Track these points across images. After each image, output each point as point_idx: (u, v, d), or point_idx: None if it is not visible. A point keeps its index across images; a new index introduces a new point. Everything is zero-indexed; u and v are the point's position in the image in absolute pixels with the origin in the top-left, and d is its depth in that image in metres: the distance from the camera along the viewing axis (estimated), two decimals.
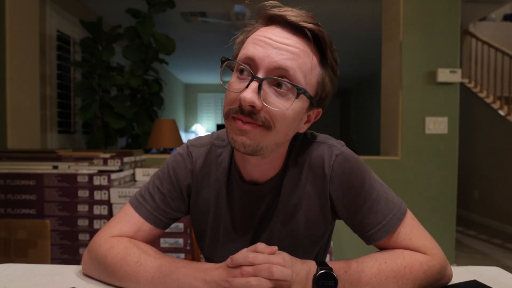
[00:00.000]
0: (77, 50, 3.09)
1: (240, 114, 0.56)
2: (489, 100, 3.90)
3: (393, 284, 0.57)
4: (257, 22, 0.62)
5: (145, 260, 0.60)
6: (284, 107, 0.56)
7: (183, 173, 0.71)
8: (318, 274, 0.54)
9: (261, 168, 0.66)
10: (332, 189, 0.66)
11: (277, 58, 0.55)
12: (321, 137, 0.70)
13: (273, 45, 0.56)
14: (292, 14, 0.57)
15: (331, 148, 0.67)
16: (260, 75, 0.55)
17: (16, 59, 2.12)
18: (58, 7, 2.80)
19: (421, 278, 0.58)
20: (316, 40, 0.58)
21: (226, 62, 0.60)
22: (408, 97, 2.33)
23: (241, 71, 0.58)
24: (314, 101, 0.61)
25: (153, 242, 0.70)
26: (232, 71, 0.62)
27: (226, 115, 0.58)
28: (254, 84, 0.55)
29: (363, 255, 0.60)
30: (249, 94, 0.54)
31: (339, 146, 0.67)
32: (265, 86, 0.56)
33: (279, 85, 0.56)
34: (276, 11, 0.58)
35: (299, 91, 0.56)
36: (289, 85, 0.56)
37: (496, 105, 3.80)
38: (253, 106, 0.55)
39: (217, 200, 0.71)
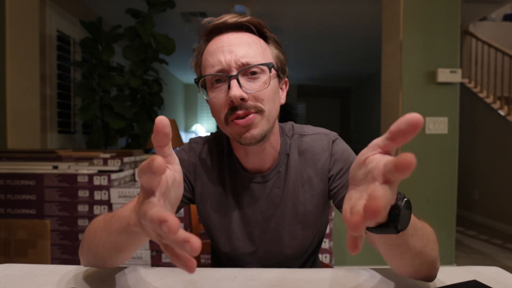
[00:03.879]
0: (77, 50, 3.09)
1: (235, 112, 0.64)
2: (489, 100, 3.90)
3: (430, 245, 0.53)
4: (200, 42, 0.72)
5: (106, 219, 0.57)
6: (264, 86, 0.66)
7: (187, 165, 0.77)
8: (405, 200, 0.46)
9: (262, 154, 0.73)
10: (332, 170, 0.74)
11: (237, 57, 0.64)
12: (316, 129, 0.80)
13: (229, 50, 0.65)
14: (228, 17, 0.68)
15: (328, 135, 0.77)
16: (233, 74, 0.64)
17: (16, 59, 2.12)
18: (58, 7, 2.80)
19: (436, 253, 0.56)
20: (254, 28, 0.69)
21: (200, 80, 0.68)
22: (408, 97, 2.33)
23: (217, 81, 0.66)
24: (280, 73, 0.72)
25: None
26: (205, 89, 0.70)
27: (226, 121, 0.66)
28: (234, 82, 0.63)
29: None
30: (236, 91, 0.63)
31: (334, 133, 0.78)
32: (241, 80, 0.64)
33: (251, 73, 0.66)
34: (216, 21, 0.68)
35: (269, 66, 0.66)
36: (259, 67, 0.66)
37: (496, 105, 3.79)
38: (242, 99, 0.63)
39: (223, 192, 0.77)
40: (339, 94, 8.39)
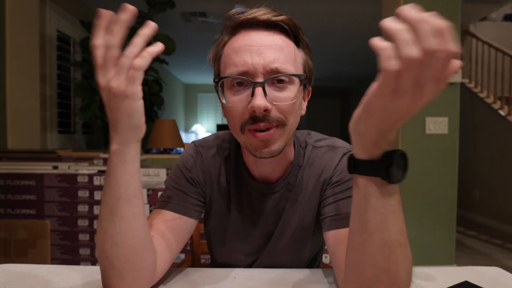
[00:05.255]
0: (77, 50, 3.09)
1: (255, 123, 0.58)
2: (489, 100, 3.90)
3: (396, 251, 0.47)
4: (222, 34, 0.64)
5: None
6: (291, 99, 0.59)
7: (195, 169, 0.72)
8: (403, 152, 0.44)
9: (274, 163, 0.68)
10: (331, 179, 0.67)
11: (266, 61, 0.57)
12: (332, 141, 0.73)
13: (257, 51, 0.58)
14: (261, 13, 0.60)
15: (340, 148, 0.70)
16: (258, 80, 0.57)
17: (16, 59, 2.12)
18: (58, 7, 2.80)
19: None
20: (289, 29, 0.61)
21: (221, 81, 0.60)
22: None
23: (238, 84, 0.59)
24: (306, 82, 0.65)
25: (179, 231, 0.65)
26: (219, 90, 0.63)
27: (242, 130, 0.60)
28: (259, 90, 0.56)
29: None
30: (261, 100, 0.56)
31: (349, 146, 0.70)
32: (267, 88, 0.57)
33: (278, 81, 0.59)
34: (246, 15, 0.60)
35: (301, 78, 0.59)
36: (288, 77, 0.59)
37: (496, 105, 3.79)
38: (265, 110, 0.57)
39: (227, 201, 0.73)
40: (339, 94, 8.38)
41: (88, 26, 2.80)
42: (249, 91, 0.58)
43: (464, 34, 4.27)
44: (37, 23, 2.33)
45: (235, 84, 0.59)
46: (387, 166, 0.42)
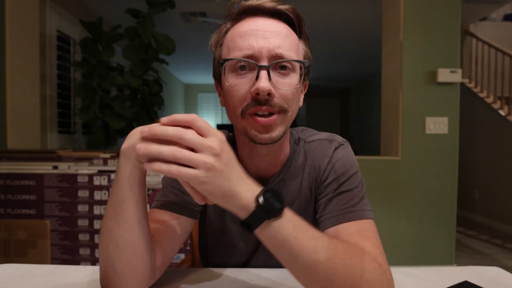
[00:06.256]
0: (77, 50, 3.08)
1: (257, 106, 0.58)
2: (489, 100, 3.90)
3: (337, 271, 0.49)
4: (225, 20, 0.65)
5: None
6: (293, 85, 0.60)
7: None
8: (266, 189, 0.48)
9: (269, 156, 0.67)
10: (326, 178, 0.67)
11: (272, 46, 0.58)
12: (324, 134, 0.73)
13: (263, 35, 0.59)
14: (266, 1, 0.61)
15: (332, 142, 0.70)
16: (263, 64, 0.58)
17: (16, 59, 2.11)
18: (58, 7, 2.80)
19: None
20: (293, 19, 0.62)
21: (226, 63, 0.60)
22: (408, 97, 2.33)
23: (242, 67, 0.59)
24: (306, 73, 0.65)
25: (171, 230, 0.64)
26: (218, 77, 0.64)
27: (242, 114, 0.60)
28: (264, 73, 0.57)
29: None
30: (265, 83, 0.56)
31: (340, 140, 0.71)
32: (271, 73, 0.58)
33: (281, 67, 0.60)
34: (252, 2, 0.61)
35: (304, 65, 0.61)
36: (291, 63, 0.60)
37: (496, 105, 3.79)
38: (269, 93, 0.57)
39: None
40: (339, 94, 8.38)
41: (88, 26, 2.80)
42: (253, 74, 0.58)
43: (464, 34, 4.27)
44: (37, 23, 2.33)
45: (238, 68, 0.59)
46: (265, 210, 0.46)
